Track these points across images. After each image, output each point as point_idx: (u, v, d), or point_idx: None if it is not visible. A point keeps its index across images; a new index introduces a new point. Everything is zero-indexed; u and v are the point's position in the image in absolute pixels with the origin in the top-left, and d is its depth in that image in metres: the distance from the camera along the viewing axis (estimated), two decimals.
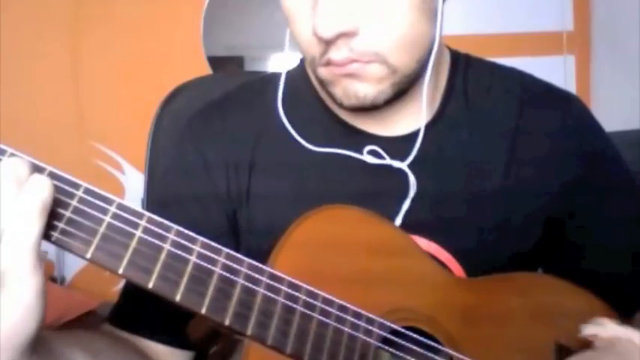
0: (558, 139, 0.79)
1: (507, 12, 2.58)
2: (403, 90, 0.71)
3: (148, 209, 0.78)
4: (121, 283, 0.77)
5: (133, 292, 0.75)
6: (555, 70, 2.57)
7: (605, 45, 2.56)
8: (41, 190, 0.48)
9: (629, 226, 0.80)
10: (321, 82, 0.71)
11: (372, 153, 0.75)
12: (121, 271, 0.51)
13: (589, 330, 0.65)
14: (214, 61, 2.60)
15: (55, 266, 2.59)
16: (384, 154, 0.74)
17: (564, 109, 0.81)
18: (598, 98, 2.57)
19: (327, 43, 0.65)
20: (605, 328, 0.64)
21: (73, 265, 2.58)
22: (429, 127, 0.76)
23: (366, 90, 0.68)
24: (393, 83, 0.68)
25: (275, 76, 0.82)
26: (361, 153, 0.75)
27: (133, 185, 2.59)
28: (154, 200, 0.85)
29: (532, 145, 0.78)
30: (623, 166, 0.82)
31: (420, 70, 0.71)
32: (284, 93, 0.78)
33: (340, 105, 0.71)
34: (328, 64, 0.67)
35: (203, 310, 0.54)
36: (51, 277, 2.57)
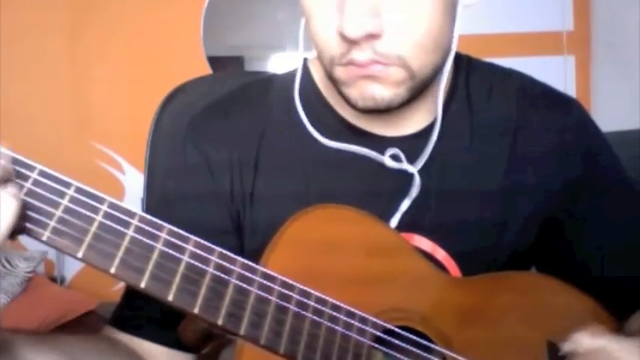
0: (557, 141, 0.79)
1: (507, 12, 2.58)
2: (417, 94, 0.71)
3: (148, 209, 0.78)
4: (122, 284, 0.77)
5: (134, 294, 0.75)
6: (555, 70, 2.57)
7: (605, 45, 2.56)
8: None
9: (625, 228, 0.80)
10: (336, 82, 0.71)
11: (392, 156, 0.75)
12: (112, 270, 0.51)
13: (567, 347, 0.64)
14: (214, 61, 2.60)
15: (55, 266, 2.59)
16: (403, 158, 0.75)
17: (563, 112, 0.81)
18: (598, 98, 2.57)
19: (352, 44, 0.65)
20: (581, 344, 0.63)
21: (73, 265, 2.58)
22: (431, 128, 0.76)
23: (383, 92, 0.67)
24: (409, 87, 0.68)
25: (277, 77, 0.82)
26: (384, 154, 0.75)
27: (133, 185, 2.60)
28: (155, 200, 0.85)
29: (532, 146, 0.78)
30: (620, 169, 0.82)
31: (435, 73, 0.71)
32: (290, 92, 0.79)
33: (354, 106, 0.70)
34: (349, 64, 0.67)
35: (196, 310, 0.54)
36: (51, 277, 2.58)
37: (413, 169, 0.74)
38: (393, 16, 0.64)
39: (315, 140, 0.76)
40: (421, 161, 0.74)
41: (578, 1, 2.63)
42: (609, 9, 2.52)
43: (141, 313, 0.73)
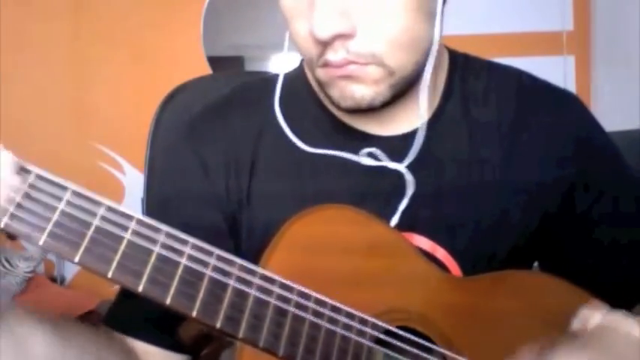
0: (556, 137, 0.79)
1: (507, 12, 2.58)
2: (401, 91, 0.71)
3: (147, 210, 0.78)
4: None
5: (128, 293, 0.75)
6: (555, 70, 2.56)
7: (605, 45, 2.55)
8: None
9: (626, 222, 0.80)
10: (319, 83, 0.71)
11: (369, 155, 0.75)
12: (110, 274, 0.51)
13: (576, 325, 0.63)
14: (214, 61, 2.60)
15: (55, 266, 2.59)
16: (382, 156, 0.74)
17: (562, 108, 0.81)
18: (598, 98, 2.57)
19: (324, 45, 0.65)
20: (593, 319, 0.63)
21: (73, 265, 2.57)
22: (427, 126, 0.76)
23: (363, 91, 0.68)
24: (390, 85, 0.68)
25: (275, 78, 0.82)
26: (358, 154, 0.75)
27: (133, 185, 2.59)
28: (152, 200, 0.85)
29: (530, 143, 0.78)
30: (621, 162, 0.83)
31: (419, 71, 0.71)
32: (282, 94, 0.78)
33: (337, 106, 0.71)
34: (325, 65, 0.67)
35: (194, 314, 0.54)
36: (51, 277, 2.58)
37: (399, 167, 0.74)
38: (364, 15, 0.64)
39: (296, 146, 0.76)
40: (408, 159, 0.74)
41: (578, 1, 2.63)
42: (609, 9, 2.51)
43: (135, 312, 0.72)
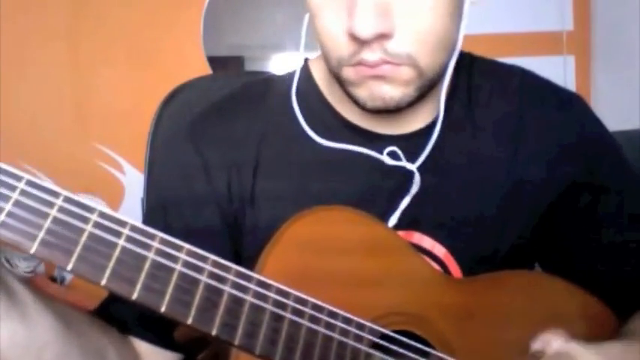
0: (560, 137, 0.79)
1: (507, 12, 2.57)
2: (424, 93, 0.71)
3: (146, 209, 0.78)
4: None
5: None
6: (555, 70, 2.56)
7: (605, 45, 2.55)
8: None
9: (629, 224, 0.80)
10: (343, 82, 0.71)
11: (390, 154, 0.75)
12: (103, 282, 0.51)
13: (537, 346, 0.64)
14: (214, 61, 2.59)
15: (55, 266, 2.59)
16: (402, 156, 0.74)
17: (566, 108, 0.81)
18: (598, 98, 2.56)
19: (362, 44, 0.65)
20: (553, 344, 0.63)
21: None
22: (432, 126, 0.76)
23: (393, 92, 0.68)
24: (418, 86, 0.69)
25: (277, 78, 0.83)
26: (381, 153, 0.75)
27: (133, 185, 2.59)
28: (151, 200, 0.85)
29: (532, 142, 0.79)
30: (625, 163, 0.83)
31: (441, 73, 0.72)
32: (289, 93, 0.79)
33: (363, 107, 0.70)
34: (359, 64, 0.67)
35: (189, 321, 0.53)
36: (51, 277, 2.58)
37: (412, 167, 0.74)
38: (404, 16, 0.64)
39: (314, 141, 0.76)
40: (421, 159, 0.74)
41: (578, 1, 2.62)
42: (609, 9, 2.50)
43: (126, 307, 0.71)
